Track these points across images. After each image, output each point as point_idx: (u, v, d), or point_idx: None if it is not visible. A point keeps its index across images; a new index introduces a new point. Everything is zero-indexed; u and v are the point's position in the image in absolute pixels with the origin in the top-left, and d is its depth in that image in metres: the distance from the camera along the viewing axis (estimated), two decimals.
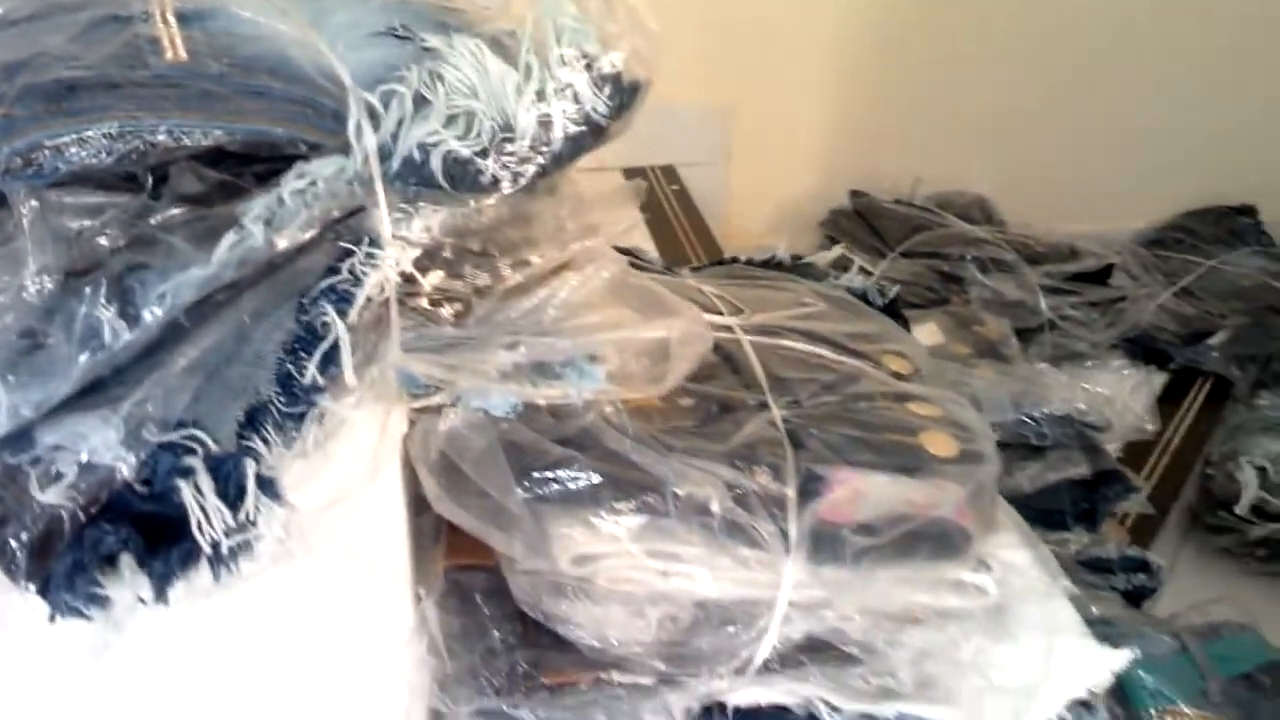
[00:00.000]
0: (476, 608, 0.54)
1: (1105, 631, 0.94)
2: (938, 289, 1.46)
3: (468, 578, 0.54)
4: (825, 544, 0.52)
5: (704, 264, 0.91)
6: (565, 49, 0.40)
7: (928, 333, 1.30)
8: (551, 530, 0.51)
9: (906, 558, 0.52)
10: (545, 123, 0.40)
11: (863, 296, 0.86)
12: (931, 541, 0.52)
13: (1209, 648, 0.97)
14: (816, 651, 0.54)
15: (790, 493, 0.53)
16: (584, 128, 0.42)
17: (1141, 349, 1.55)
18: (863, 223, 1.64)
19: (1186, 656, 0.95)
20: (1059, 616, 0.59)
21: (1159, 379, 1.50)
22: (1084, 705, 0.57)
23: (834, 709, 0.55)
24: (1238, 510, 1.40)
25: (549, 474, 0.50)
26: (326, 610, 0.51)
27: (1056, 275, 1.50)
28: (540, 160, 0.41)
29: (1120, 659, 0.57)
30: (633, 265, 0.75)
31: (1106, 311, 1.49)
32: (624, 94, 0.43)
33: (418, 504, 0.53)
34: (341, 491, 0.47)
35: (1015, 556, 0.59)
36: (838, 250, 1.02)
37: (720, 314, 0.68)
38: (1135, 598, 1.07)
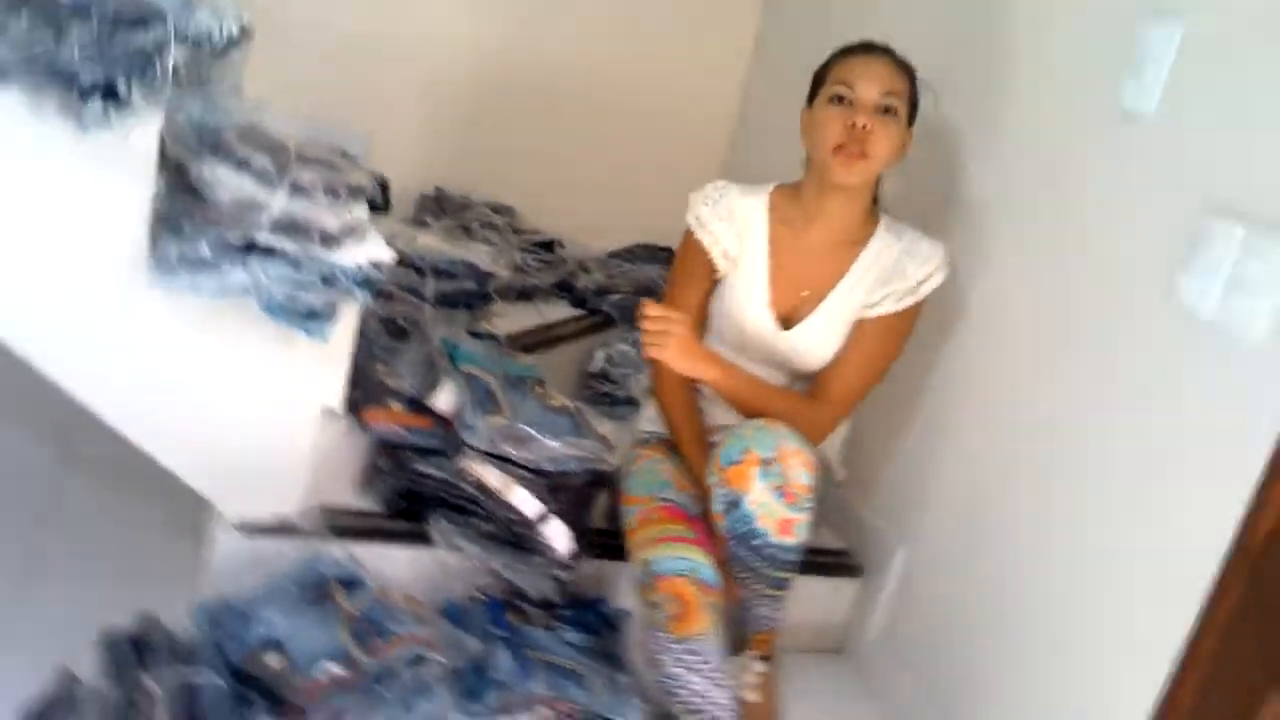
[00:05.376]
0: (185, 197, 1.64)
1: (455, 353, 2.14)
2: (460, 232, 2.67)
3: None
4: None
5: None
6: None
7: (434, 236, 2.50)
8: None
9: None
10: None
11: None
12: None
13: (505, 358, 2.17)
14: (292, 225, 1.67)
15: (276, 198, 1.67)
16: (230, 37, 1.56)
17: (572, 294, 2.83)
18: (436, 202, 2.85)
19: (492, 358, 2.14)
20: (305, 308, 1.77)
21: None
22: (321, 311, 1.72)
23: (294, 251, 1.68)
24: (590, 371, 2.66)
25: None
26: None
27: (525, 242, 2.76)
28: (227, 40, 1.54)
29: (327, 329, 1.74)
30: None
31: (549, 266, 2.76)
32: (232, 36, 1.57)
33: None
34: None
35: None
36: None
37: None
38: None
